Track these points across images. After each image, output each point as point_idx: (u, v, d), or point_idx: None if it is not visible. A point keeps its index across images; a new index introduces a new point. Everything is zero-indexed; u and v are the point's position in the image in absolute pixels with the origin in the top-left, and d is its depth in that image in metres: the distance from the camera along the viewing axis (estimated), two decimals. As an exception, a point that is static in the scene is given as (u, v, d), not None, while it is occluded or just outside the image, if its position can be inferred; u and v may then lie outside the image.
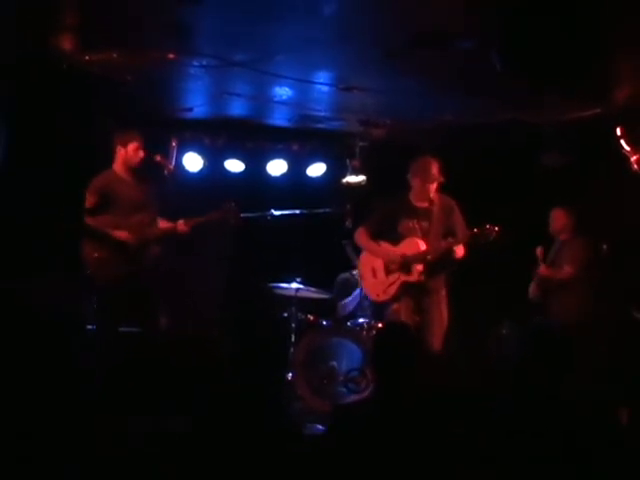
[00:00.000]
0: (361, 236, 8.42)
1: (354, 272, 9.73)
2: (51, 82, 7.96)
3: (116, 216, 8.05)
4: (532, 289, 9.13)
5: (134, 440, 4.98)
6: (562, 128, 9.12)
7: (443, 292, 8.18)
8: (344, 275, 10.13)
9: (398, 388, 4.86)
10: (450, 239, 8.00)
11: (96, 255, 7.92)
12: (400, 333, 5.22)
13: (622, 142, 8.29)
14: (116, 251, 7.96)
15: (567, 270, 8.78)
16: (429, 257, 7.96)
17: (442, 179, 8.03)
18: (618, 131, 8.31)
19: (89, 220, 7.98)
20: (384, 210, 8.32)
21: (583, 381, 5.35)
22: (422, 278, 7.98)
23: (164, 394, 6.24)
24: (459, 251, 7.94)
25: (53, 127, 8.46)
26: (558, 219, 9.12)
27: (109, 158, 8.36)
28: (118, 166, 8.21)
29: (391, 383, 4.90)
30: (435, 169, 8.00)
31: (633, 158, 8.14)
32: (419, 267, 8.00)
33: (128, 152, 8.13)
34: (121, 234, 7.99)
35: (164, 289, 8.26)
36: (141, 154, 8.16)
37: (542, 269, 8.91)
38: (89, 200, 8.02)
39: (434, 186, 8.03)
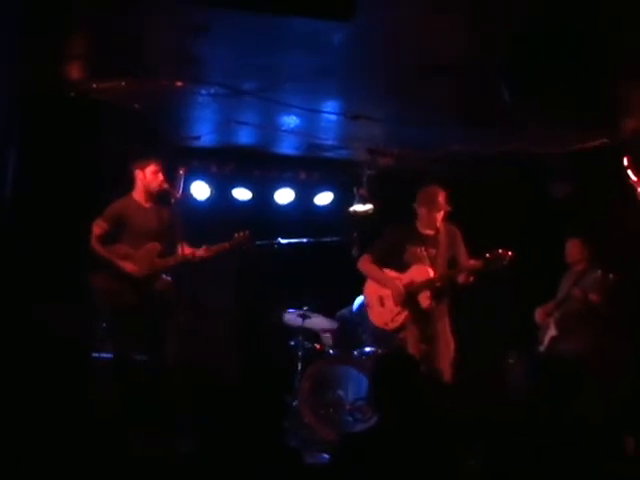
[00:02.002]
0: (365, 263, 8.36)
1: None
2: (59, 110, 8.00)
3: (127, 244, 8.03)
4: (539, 314, 9.08)
5: (138, 462, 4.98)
6: (569, 158, 9.12)
7: (446, 319, 8.16)
8: (344, 312, 10.08)
9: (397, 418, 4.84)
10: (457, 267, 7.99)
11: (104, 285, 7.91)
12: (400, 364, 5.19)
13: (629, 172, 8.29)
14: (124, 281, 7.95)
15: (594, 298, 8.65)
16: (437, 284, 7.95)
17: (448, 208, 8.03)
18: (625, 161, 8.31)
19: (98, 248, 7.97)
20: (390, 237, 8.30)
21: (591, 410, 5.34)
22: (432, 305, 7.96)
23: (169, 420, 6.24)
24: (469, 278, 7.91)
25: (60, 154, 8.51)
26: (574, 249, 9.07)
27: (116, 183, 8.38)
28: (137, 192, 8.16)
29: (390, 413, 4.88)
30: (442, 198, 8.00)
31: (640, 189, 8.14)
32: (426, 294, 7.99)
33: (146, 176, 8.10)
34: (127, 265, 7.96)
35: (174, 318, 8.23)
36: (160, 177, 8.08)
37: (576, 291, 8.76)
38: (102, 227, 8.00)
39: (440, 215, 8.03)
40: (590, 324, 8.70)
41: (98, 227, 8.00)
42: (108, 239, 8.02)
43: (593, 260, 8.89)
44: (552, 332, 8.87)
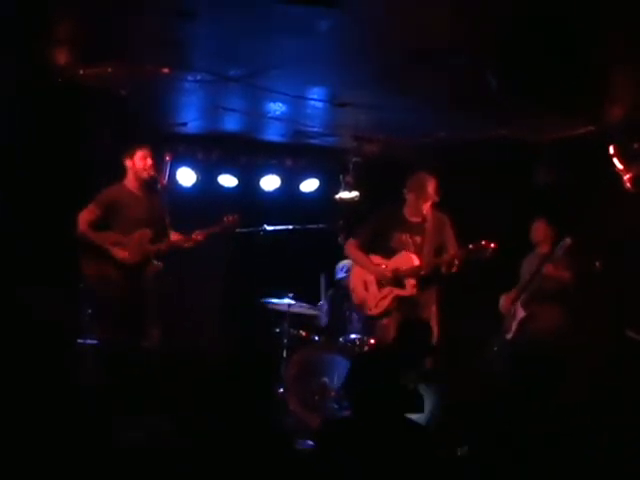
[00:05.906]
0: (351, 248, 8.41)
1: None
2: (45, 96, 7.98)
3: (118, 231, 8.00)
4: (504, 302, 9.00)
5: (121, 452, 4.97)
6: (555, 145, 9.13)
7: (433, 308, 8.18)
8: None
9: (371, 409, 4.85)
10: (443, 256, 8.00)
11: (95, 271, 7.90)
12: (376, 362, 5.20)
13: (615, 160, 8.30)
14: (115, 267, 7.93)
15: (567, 275, 8.58)
16: (422, 272, 7.96)
17: (437, 198, 8.04)
18: (611, 149, 8.32)
19: (90, 234, 7.94)
20: (377, 223, 8.32)
21: (571, 396, 5.36)
22: (415, 292, 7.98)
23: (155, 407, 6.24)
24: (452, 267, 7.92)
25: (48, 140, 8.49)
26: (539, 230, 9.07)
27: (104, 170, 8.37)
28: (129, 179, 8.16)
29: (364, 405, 4.90)
30: (431, 187, 8.01)
31: (626, 176, 8.14)
32: (412, 281, 8.00)
33: (135, 161, 8.09)
34: (120, 253, 7.94)
35: (162, 304, 8.23)
36: (149, 162, 8.09)
37: (549, 268, 8.64)
38: (94, 212, 7.98)
39: (428, 204, 8.04)
40: (560, 302, 8.65)
41: (89, 212, 7.98)
42: (98, 226, 8.01)
43: (557, 242, 8.76)
44: (520, 315, 8.79)
